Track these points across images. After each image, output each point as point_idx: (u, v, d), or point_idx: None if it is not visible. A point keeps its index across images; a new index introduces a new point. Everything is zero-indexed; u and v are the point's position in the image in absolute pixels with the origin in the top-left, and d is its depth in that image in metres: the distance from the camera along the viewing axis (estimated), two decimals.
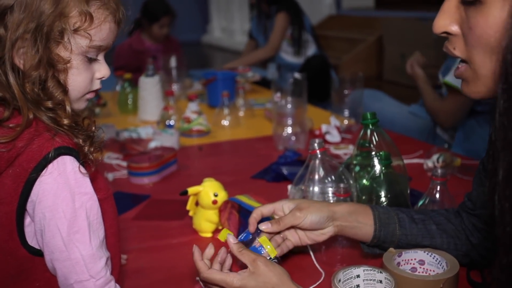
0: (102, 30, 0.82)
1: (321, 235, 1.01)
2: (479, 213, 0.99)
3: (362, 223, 1.01)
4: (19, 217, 0.79)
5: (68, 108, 0.80)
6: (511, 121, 0.62)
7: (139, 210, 1.41)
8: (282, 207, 1.02)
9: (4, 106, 0.78)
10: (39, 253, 0.81)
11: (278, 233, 1.02)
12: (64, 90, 0.80)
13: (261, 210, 1.02)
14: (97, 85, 0.86)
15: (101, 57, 0.85)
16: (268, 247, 0.96)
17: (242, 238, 1.00)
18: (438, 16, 0.76)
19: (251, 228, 1.01)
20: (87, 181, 0.81)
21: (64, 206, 0.78)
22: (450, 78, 1.93)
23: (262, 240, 0.98)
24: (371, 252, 1.06)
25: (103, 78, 0.87)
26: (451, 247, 1.01)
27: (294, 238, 1.03)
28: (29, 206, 0.79)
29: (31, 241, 0.81)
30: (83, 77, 0.82)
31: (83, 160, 0.81)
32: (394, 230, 1.02)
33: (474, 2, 0.69)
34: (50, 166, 0.77)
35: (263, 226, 0.99)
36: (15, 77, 0.77)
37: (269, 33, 3.62)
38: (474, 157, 1.72)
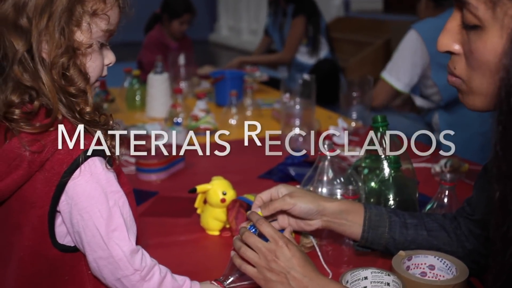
0: (114, 14, 0.83)
1: (308, 226, 1.06)
2: (477, 219, 0.99)
3: (351, 221, 1.04)
4: (51, 219, 0.80)
5: (90, 98, 0.80)
6: (505, 153, 0.62)
7: (147, 207, 1.42)
8: (278, 192, 1.07)
9: (32, 102, 0.77)
10: (69, 250, 0.83)
11: (271, 216, 1.08)
12: (86, 77, 0.80)
13: (260, 196, 1.08)
14: (105, 71, 0.87)
15: (106, 43, 0.86)
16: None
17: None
18: (442, 34, 0.75)
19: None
20: (115, 180, 0.82)
21: (100, 205, 0.79)
22: (386, 76, 2.31)
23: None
24: (361, 251, 1.08)
25: (110, 65, 0.88)
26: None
27: (284, 223, 1.08)
28: (62, 208, 0.80)
29: (63, 240, 0.82)
30: (98, 62, 0.83)
31: (108, 157, 0.81)
32: (382, 233, 1.04)
33: (474, 27, 0.69)
34: (82, 168, 0.78)
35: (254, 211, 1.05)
36: (44, 68, 0.76)
37: (284, 30, 3.59)
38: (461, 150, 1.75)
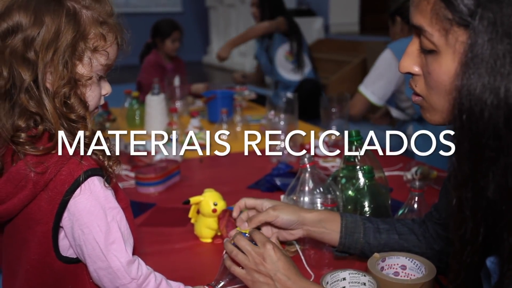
0: (113, 50, 0.84)
1: (291, 235, 1.07)
2: (443, 222, 1.00)
3: (329, 229, 1.05)
4: (54, 234, 0.80)
5: (89, 124, 0.80)
6: (460, 164, 0.63)
7: (146, 217, 1.42)
8: (262, 205, 1.08)
9: (36, 127, 0.78)
10: (72, 261, 0.83)
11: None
12: (85, 106, 0.81)
13: (245, 201, 1.08)
14: (102, 100, 0.88)
15: (104, 76, 0.87)
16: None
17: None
18: (403, 58, 0.76)
19: (235, 213, 1.11)
20: (113, 196, 0.83)
21: (99, 221, 0.79)
22: (363, 89, 2.36)
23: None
24: (340, 255, 1.08)
25: (107, 95, 0.88)
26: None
27: (268, 233, 1.08)
28: (64, 224, 0.80)
29: (66, 253, 0.83)
30: (96, 93, 0.84)
31: (106, 175, 0.82)
32: (358, 238, 1.04)
33: (431, 51, 0.70)
34: (82, 187, 0.78)
35: (242, 226, 1.06)
36: (47, 96, 0.77)
37: (270, 50, 3.60)
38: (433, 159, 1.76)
